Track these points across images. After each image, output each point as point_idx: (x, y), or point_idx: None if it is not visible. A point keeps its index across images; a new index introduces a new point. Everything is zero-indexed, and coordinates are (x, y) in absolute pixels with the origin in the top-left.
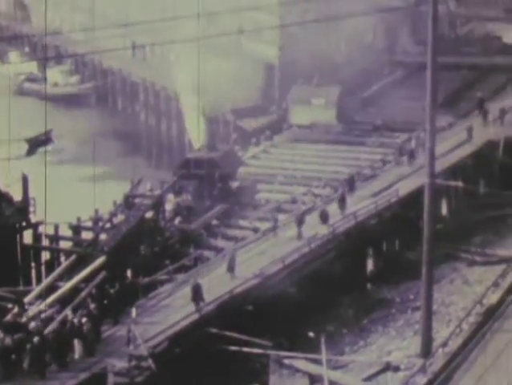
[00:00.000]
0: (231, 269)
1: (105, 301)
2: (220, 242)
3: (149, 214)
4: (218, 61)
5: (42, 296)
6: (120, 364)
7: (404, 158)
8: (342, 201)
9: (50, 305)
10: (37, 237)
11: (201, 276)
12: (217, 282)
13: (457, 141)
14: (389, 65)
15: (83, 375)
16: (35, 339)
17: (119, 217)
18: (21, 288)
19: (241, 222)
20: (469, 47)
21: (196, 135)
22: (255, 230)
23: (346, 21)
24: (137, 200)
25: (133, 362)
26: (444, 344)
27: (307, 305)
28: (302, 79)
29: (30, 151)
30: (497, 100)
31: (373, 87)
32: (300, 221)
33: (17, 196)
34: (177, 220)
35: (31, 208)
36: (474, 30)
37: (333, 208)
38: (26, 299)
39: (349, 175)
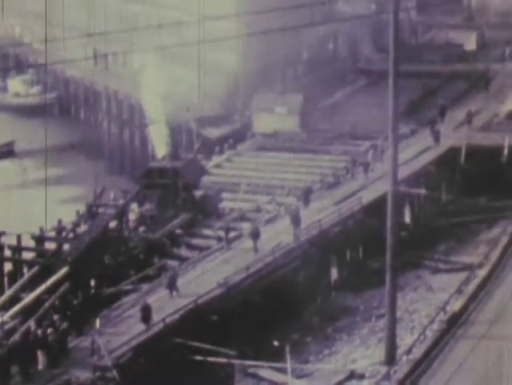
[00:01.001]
0: (171, 286)
1: (69, 313)
2: (184, 252)
3: (113, 224)
4: (181, 70)
5: (4, 307)
6: (85, 375)
7: (359, 170)
8: (296, 217)
9: (13, 317)
10: None
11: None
12: (162, 303)
13: (419, 148)
14: (352, 73)
15: None
16: None
17: (83, 227)
18: None
19: (206, 231)
20: (431, 55)
21: (159, 144)
22: (219, 239)
23: (308, 29)
24: (100, 210)
25: (97, 373)
26: (409, 351)
27: (272, 314)
28: (265, 88)
29: None
30: (459, 107)
31: (336, 94)
32: (256, 235)
33: None
34: (141, 230)
35: None
36: (435, 38)
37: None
38: None
39: (304, 188)
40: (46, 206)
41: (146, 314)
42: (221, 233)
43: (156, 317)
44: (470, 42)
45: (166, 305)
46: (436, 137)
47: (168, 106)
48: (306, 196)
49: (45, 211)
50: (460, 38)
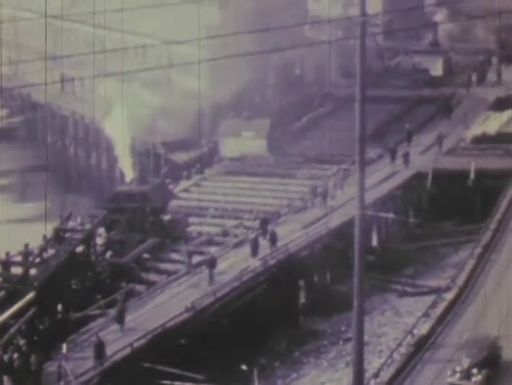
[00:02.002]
0: (119, 320)
1: (35, 338)
2: (152, 276)
3: (80, 248)
4: (148, 95)
5: None
6: None
7: (317, 199)
8: (255, 246)
9: None
10: None
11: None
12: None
13: (386, 173)
14: (318, 98)
15: None
16: None
17: (50, 252)
18: None
19: (173, 256)
20: (397, 80)
21: (126, 168)
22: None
23: (275, 54)
24: (67, 235)
25: None
26: (376, 375)
27: (240, 338)
28: (233, 112)
29: None
30: (425, 132)
31: (303, 119)
32: (211, 265)
33: None
34: (108, 255)
35: None
36: (402, 63)
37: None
38: None
39: (262, 218)
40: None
41: (99, 351)
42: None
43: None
44: (437, 68)
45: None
46: (406, 159)
47: (136, 130)
48: (264, 226)
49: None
50: (426, 63)
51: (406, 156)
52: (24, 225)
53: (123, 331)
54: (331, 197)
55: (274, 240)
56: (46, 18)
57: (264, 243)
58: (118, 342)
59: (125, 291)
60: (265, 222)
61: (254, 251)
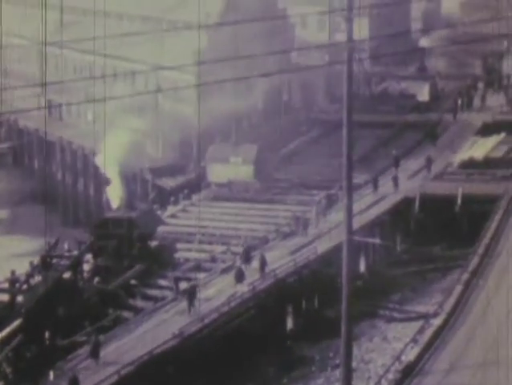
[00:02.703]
0: (94, 354)
1: (22, 365)
2: (139, 302)
3: (67, 275)
4: (136, 119)
5: None
6: None
7: (299, 228)
8: (239, 275)
9: None
10: None
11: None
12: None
13: (373, 198)
14: (306, 123)
15: None
16: None
17: (37, 278)
18: None
19: (161, 282)
20: (384, 105)
21: (113, 194)
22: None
23: (262, 80)
24: (55, 261)
25: None
26: None
27: (228, 364)
28: (220, 138)
29: None
30: (412, 157)
31: (290, 144)
32: (191, 295)
33: None
34: (96, 281)
35: None
36: (389, 89)
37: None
38: None
39: (244, 246)
40: None
41: None
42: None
43: None
44: (423, 93)
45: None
46: (395, 183)
47: (124, 156)
48: (247, 255)
49: None
50: (413, 88)
51: (395, 180)
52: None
53: (99, 365)
54: (314, 225)
55: (263, 265)
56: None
57: (247, 271)
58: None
59: (112, 318)
60: (247, 251)
61: (238, 280)
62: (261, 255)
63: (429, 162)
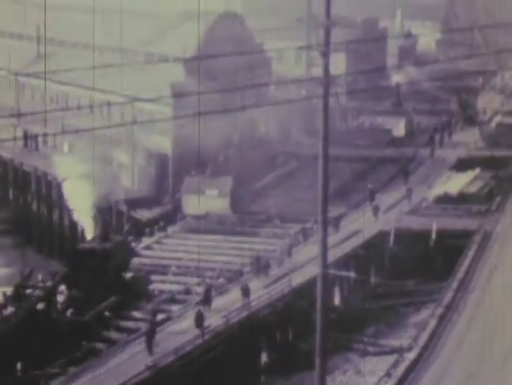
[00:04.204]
0: None
1: None
2: (113, 334)
3: (41, 306)
4: (111, 151)
5: None
6: None
7: (260, 270)
8: (199, 319)
9: None
10: None
11: None
12: None
13: (348, 232)
14: (282, 156)
15: None
16: None
17: (9, 309)
18: None
19: (135, 314)
20: (360, 140)
21: (87, 226)
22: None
23: (239, 113)
24: (28, 292)
25: None
26: None
27: None
28: (196, 170)
29: None
30: (387, 191)
31: (266, 177)
32: (149, 336)
33: None
34: (69, 312)
35: None
36: (365, 123)
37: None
38: None
39: (206, 286)
40: None
41: None
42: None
43: None
44: (399, 128)
45: None
46: (375, 212)
47: (99, 187)
48: (207, 294)
49: None
50: (389, 123)
51: (375, 210)
52: None
53: None
54: (278, 266)
55: (246, 293)
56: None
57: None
58: None
59: (86, 349)
60: (209, 291)
61: (198, 323)
62: (244, 284)
63: (409, 192)
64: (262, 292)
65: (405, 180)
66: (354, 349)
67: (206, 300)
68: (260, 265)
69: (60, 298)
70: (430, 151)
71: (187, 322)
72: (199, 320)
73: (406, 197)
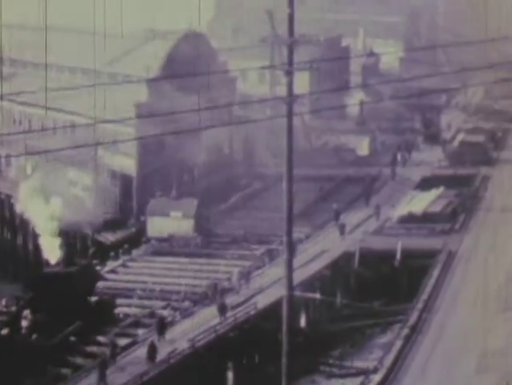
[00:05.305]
0: None
1: None
2: (78, 359)
3: (4, 331)
4: (75, 173)
5: None
6: None
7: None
8: (151, 350)
9: None
10: None
11: None
12: None
13: (314, 253)
14: (247, 177)
15: None
16: None
17: None
18: None
19: (100, 338)
20: (325, 159)
21: (51, 249)
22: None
23: (203, 133)
24: None
25: None
26: None
27: None
28: (160, 192)
29: None
30: (352, 211)
31: (231, 198)
32: (102, 367)
33: None
34: (34, 337)
35: None
36: (329, 143)
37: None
38: None
39: (159, 318)
40: None
41: None
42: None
43: None
44: (363, 147)
45: None
46: (342, 231)
47: (62, 210)
48: (160, 325)
49: None
50: (353, 142)
51: (342, 228)
52: None
53: None
54: (235, 292)
55: (223, 310)
56: None
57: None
58: None
59: (51, 375)
60: (161, 321)
61: (151, 357)
62: (220, 301)
63: (378, 209)
64: (227, 314)
65: (367, 201)
66: (320, 371)
67: (159, 330)
68: (217, 292)
69: (25, 323)
70: (391, 170)
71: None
72: (151, 352)
73: (374, 214)
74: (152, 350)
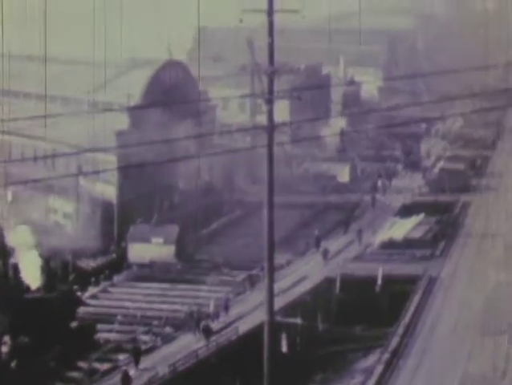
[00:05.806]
0: None
1: None
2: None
3: None
4: (57, 200)
5: None
6: None
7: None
8: (125, 380)
9: None
10: None
11: None
12: None
13: (295, 278)
14: (227, 204)
15: None
16: None
17: None
18: None
19: (81, 364)
20: (305, 186)
21: (32, 275)
22: (94, 371)
23: (184, 161)
24: None
25: None
26: None
27: None
28: (141, 218)
29: None
30: (333, 237)
31: (212, 225)
32: None
33: None
34: (14, 363)
35: None
36: (309, 169)
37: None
38: None
39: (133, 348)
40: None
41: None
42: (97, 365)
43: None
44: (343, 174)
45: None
46: (325, 256)
47: (43, 237)
48: (136, 354)
49: None
50: (333, 169)
51: (325, 254)
52: None
53: None
54: (214, 319)
55: (208, 333)
56: None
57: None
58: None
59: None
60: (136, 351)
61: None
62: (205, 324)
63: (360, 233)
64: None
65: (346, 227)
66: None
67: (135, 361)
68: (193, 320)
69: (5, 349)
70: (371, 197)
71: (132, 371)
72: (125, 381)
73: (357, 239)
74: (126, 380)
